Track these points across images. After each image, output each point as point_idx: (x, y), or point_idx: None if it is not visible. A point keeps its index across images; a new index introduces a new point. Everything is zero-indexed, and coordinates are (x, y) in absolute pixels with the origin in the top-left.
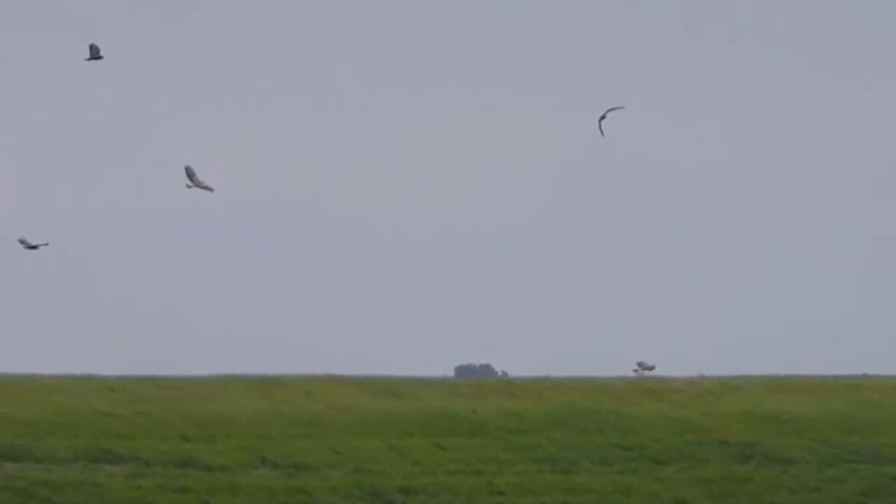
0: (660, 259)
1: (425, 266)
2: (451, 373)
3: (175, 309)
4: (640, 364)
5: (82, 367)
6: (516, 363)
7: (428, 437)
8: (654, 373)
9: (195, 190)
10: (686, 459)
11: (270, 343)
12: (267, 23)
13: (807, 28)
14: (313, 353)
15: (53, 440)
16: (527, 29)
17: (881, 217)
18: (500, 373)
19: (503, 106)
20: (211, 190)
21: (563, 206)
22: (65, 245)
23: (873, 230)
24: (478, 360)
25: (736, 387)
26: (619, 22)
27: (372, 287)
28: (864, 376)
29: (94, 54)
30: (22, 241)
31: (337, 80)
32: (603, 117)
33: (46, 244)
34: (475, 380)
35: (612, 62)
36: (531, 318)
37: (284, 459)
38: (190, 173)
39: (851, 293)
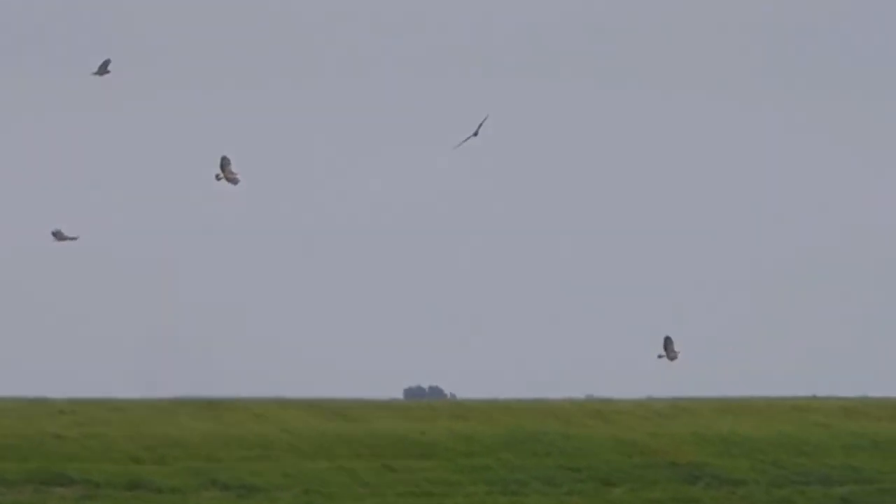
0: (608, 281)
1: (374, 287)
2: (400, 395)
3: (126, 331)
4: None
5: (33, 389)
6: (466, 385)
7: (377, 459)
8: (602, 395)
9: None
10: (635, 481)
11: (220, 366)
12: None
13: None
14: (263, 376)
15: (4, 463)
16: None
17: (823, 239)
18: (449, 395)
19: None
20: (237, 182)
21: (511, 228)
22: (10, 265)
23: (814, 252)
24: (427, 382)
25: (685, 408)
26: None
27: (320, 309)
28: (813, 398)
29: (102, 70)
30: (55, 234)
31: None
32: (475, 133)
33: (76, 238)
34: (425, 402)
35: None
36: (480, 339)
37: (235, 481)
38: (224, 163)
39: (799, 316)
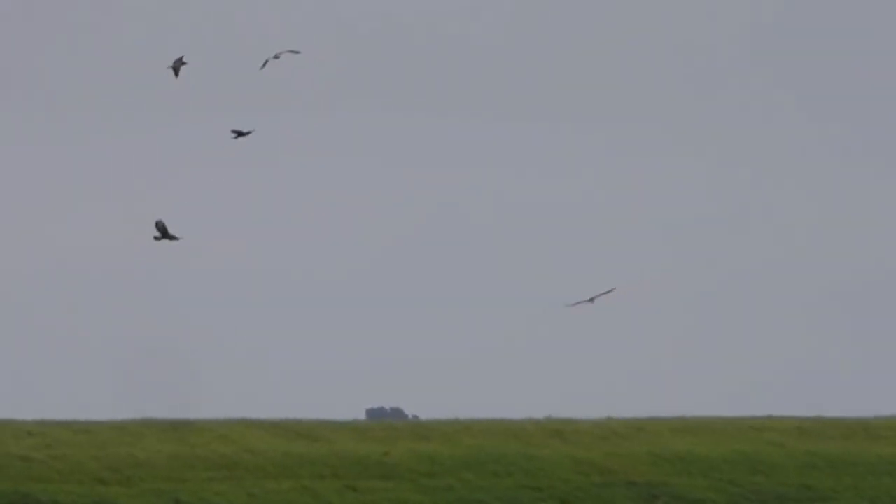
0: (568, 301)
1: (336, 308)
2: (362, 416)
3: (89, 353)
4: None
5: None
6: (427, 406)
7: (340, 480)
8: (563, 415)
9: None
10: (594, 500)
11: (183, 387)
12: None
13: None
14: (226, 397)
15: None
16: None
17: (777, 256)
18: (410, 416)
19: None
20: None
21: (469, 248)
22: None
23: (769, 269)
24: (389, 403)
25: (642, 428)
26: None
27: (282, 330)
28: (769, 418)
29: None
30: (159, 230)
31: None
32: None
33: (179, 238)
34: (386, 423)
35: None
36: (441, 360)
37: (199, 502)
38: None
39: (755, 336)
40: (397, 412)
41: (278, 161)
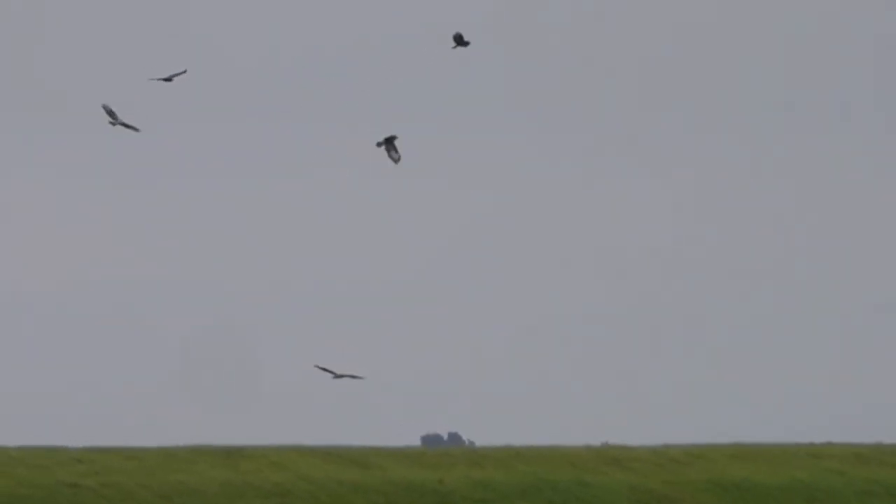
0: (625, 328)
1: (392, 334)
2: (417, 442)
3: (139, 379)
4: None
5: (48, 438)
6: (484, 432)
7: None
8: (620, 441)
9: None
10: None
11: (236, 413)
12: None
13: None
14: (279, 423)
15: None
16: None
17: (839, 287)
18: (467, 441)
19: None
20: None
21: (526, 282)
22: (28, 316)
23: (832, 300)
24: (445, 429)
25: (700, 455)
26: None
27: (337, 356)
28: (827, 444)
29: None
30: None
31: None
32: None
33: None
34: (441, 449)
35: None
36: (498, 386)
37: None
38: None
39: (815, 361)
40: (455, 437)
41: (336, 183)
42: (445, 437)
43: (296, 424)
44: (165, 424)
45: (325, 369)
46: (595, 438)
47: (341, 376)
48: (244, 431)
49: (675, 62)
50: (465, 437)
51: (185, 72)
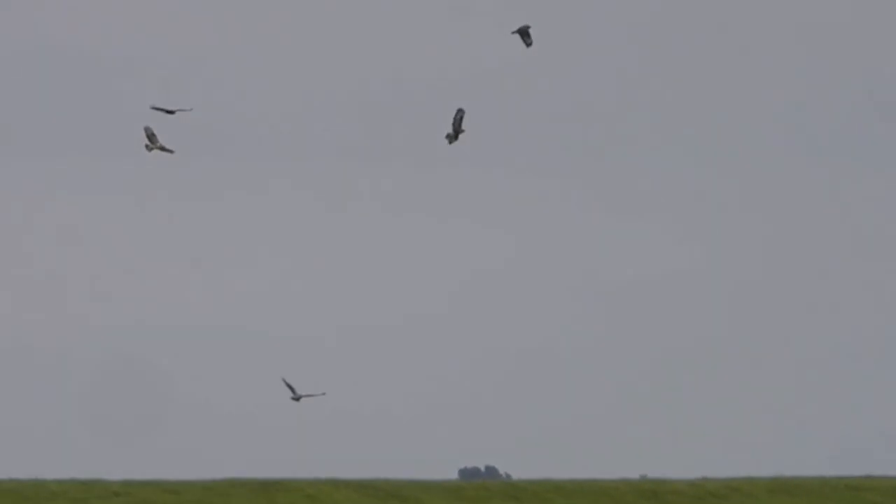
0: (662, 362)
1: (429, 368)
2: (455, 475)
3: (178, 412)
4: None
5: (87, 471)
6: (521, 465)
7: None
8: (657, 475)
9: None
10: None
11: (272, 446)
12: None
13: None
14: (316, 455)
15: None
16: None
17: (879, 318)
18: (504, 475)
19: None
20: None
21: (564, 314)
22: (66, 350)
23: (873, 330)
24: (483, 462)
25: (738, 488)
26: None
27: (374, 389)
28: (867, 477)
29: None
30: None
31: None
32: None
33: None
34: (478, 483)
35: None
36: (536, 419)
37: None
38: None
39: (855, 394)
40: (492, 471)
41: (375, 217)
42: (483, 470)
43: (332, 457)
44: (202, 456)
45: (289, 386)
46: (633, 472)
47: (300, 397)
48: (280, 465)
49: (678, 102)
50: (502, 471)
51: (190, 109)
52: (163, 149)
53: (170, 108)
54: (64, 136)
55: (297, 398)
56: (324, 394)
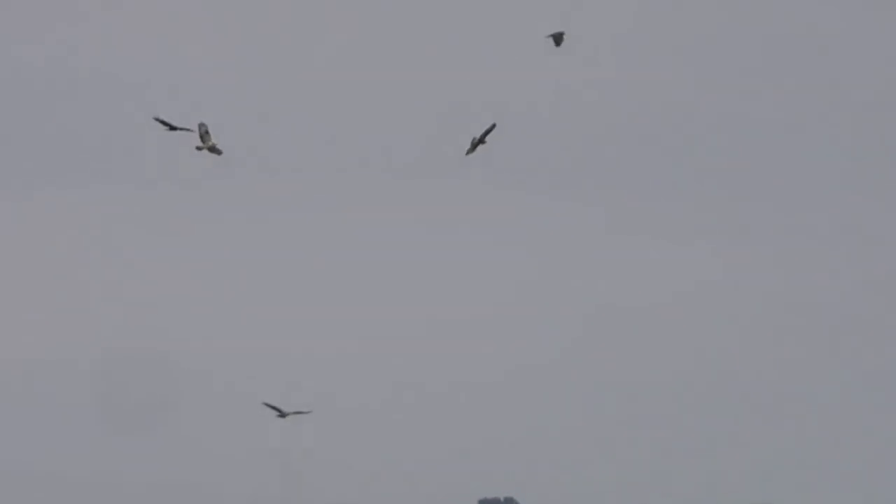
0: (682, 397)
1: (450, 399)
2: None
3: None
4: None
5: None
6: (539, 496)
7: None
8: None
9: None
10: None
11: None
12: None
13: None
14: (335, 484)
15: None
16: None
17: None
18: None
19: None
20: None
21: (585, 349)
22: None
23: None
24: (501, 493)
25: None
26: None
27: (395, 420)
28: None
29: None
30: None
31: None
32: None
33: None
34: None
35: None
36: (553, 451)
37: None
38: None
39: None
40: (510, 502)
41: (418, 247)
42: (502, 500)
43: (350, 487)
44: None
45: (273, 407)
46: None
47: (287, 414)
48: (297, 496)
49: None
50: (520, 502)
51: (192, 131)
52: (213, 149)
53: (173, 123)
54: (64, 137)
55: (283, 415)
56: (310, 411)
